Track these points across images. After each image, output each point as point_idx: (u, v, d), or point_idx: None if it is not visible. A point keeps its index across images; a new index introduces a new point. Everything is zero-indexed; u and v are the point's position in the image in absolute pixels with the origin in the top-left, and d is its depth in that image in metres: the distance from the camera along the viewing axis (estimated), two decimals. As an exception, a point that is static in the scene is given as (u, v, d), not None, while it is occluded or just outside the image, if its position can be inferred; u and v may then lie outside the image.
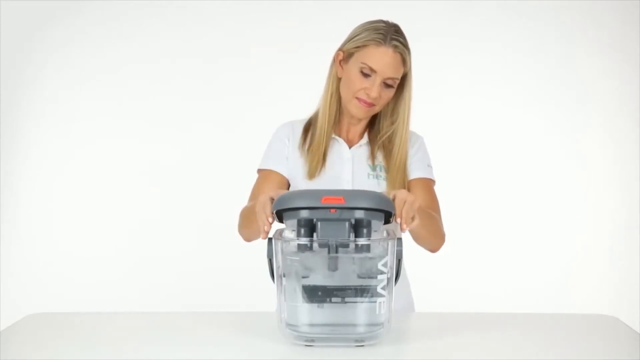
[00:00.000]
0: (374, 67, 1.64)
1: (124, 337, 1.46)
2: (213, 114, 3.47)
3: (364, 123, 1.78)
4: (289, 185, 1.77)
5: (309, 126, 1.78)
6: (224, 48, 3.45)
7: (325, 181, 1.72)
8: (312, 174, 1.72)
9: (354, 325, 1.36)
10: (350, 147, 1.76)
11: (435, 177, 1.80)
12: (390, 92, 1.68)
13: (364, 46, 1.65)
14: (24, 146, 3.47)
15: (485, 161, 3.43)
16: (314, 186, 1.71)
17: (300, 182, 1.74)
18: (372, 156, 1.75)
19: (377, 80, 1.64)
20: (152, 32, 3.45)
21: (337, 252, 1.31)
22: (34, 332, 1.50)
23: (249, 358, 1.35)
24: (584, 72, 3.46)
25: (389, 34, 1.64)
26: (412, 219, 1.38)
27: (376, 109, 1.70)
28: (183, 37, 3.46)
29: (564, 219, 3.49)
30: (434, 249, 1.72)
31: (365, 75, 1.65)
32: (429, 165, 1.79)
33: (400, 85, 1.71)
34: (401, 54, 1.65)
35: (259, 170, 1.79)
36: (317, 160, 1.72)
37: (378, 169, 1.75)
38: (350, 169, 1.74)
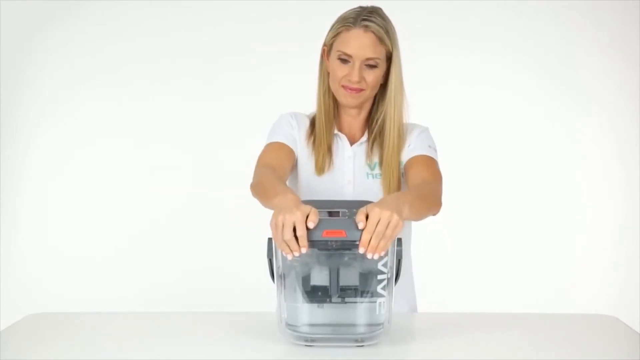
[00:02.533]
0: (348, 51, 1.63)
1: (124, 337, 1.46)
2: (213, 114, 3.46)
3: (363, 116, 1.77)
4: (294, 157, 1.74)
5: (313, 122, 1.77)
6: (224, 48, 3.45)
7: (331, 180, 1.72)
8: (320, 168, 1.72)
9: (354, 325, 1.36)
10: (352, 144, 1.76)
11: (439, 161, 1.71)
12: (376, 73, 1.65)
13: (337, 34, 1.65)
14: (24, 146, 3.47)
15: (486, 161, 3.43)
16: (322, 183, 1.72)
17: (309, 177, 1.73)
18: (370, 153, 1.74)
19: (355, 64, 1.63)
20: (152, 32, 3.45)
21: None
22: (34, 332, 1.51)
23: (249, 358, 1.35)
24: (584, 72, 3.46)
25: (360, 16, 1.63)
26: (383, 246, 1.29)
27: (367, 94, 1.68)
28: (183, 37, 3.46)
29: (564, 219, 3.49)
30: (432, 214, 1.60)
31: (344, 61, 1.64)
32: (430, 146, 1.73)
33: (387, 68, 1.68)
34: (374, 33, 1.62)
35: (269, 144, 1.74)
36: (322, 154, 1.72)
37: (376, 167, 1.74)
38: (352, 169, 1.74)
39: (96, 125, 3.47)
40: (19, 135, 3.46)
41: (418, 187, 1.62)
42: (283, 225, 1.28)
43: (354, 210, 1.37)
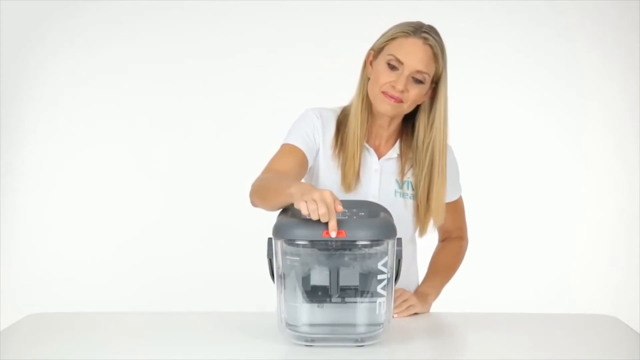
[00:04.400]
0: (401, 57, 1.57)
1: (124, 337, 1.46)
2: (214, 114, 3.46)
3: (393, 129, 1.70)
4: (307, 165, 1.68)
5: (339, 125, 1.70)
6: (225, 48, 3.44)
7: (356, 196, 1.66)
8: (348, 186, 1.66)
9: (354, 325, 1.36)
10: (379, 158, 1.70)
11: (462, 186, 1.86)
12: (420, 89, 1.60)
13: (393, 39, 1.61)
14: (24, 146, 3.47)
15: (486, 161, 3.42)
16: (345, 197, 1.64)
17: (332, 189, 1.65)
18: (402, 172, 1.70)
19: (404, 72, 1.57)
20: (152, 32, 3.45)
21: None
22: (34, 332, 1.51)
23: (249, 358, 1.35)
24: (585, 72, 3.46)
25: (421, 28, 1.60)
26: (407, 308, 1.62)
27: (405, 108, 1.61)
28: (184, 37, 3.45)
29: (563, 219, 3.49)
30: None
31: (393, 67, 1.58)
32: (459, 181, 1.83)
33: (434, 91, 1.63)
34: (431, 47, 1.59)
35: (284, 145, 1.68)
36: (352, 172, 1.65)
37: (406, 186, 1.70)
38: (378, 183, 1.69)
39: (95, 126, 3.46)
40: (19, 135, 3.46)
41: (452, 260, 1.88)
42: (316, 201, 1.26)
43: (354, 210, 1.37)
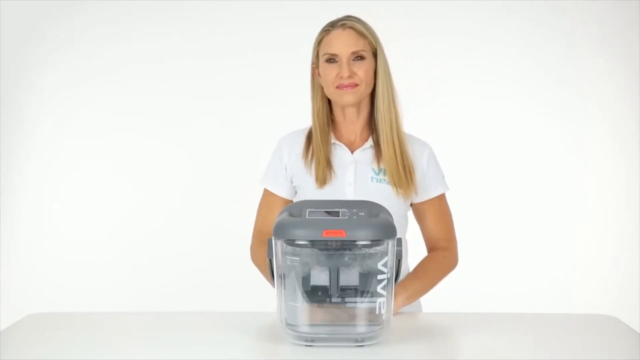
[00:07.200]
0: (333, 50, 1.69)
1: (124, 337, 1.46)
2: (216, 115, 3.46)
3: (362, 120, 1.77)
4: (290, 199, 1.81)
5: (310, 135, 1.79)
6: (229, 48, 3.45)
7: (333, 188, 1.73)
8: (321, 181, 1.73)
9: (354, 325, 1.36)
10: (353, 151, 1.77)
11: (448, 184, 1.81)
12: (365, 65, 1.69)
13: (320, 41, 1.73)
14: (24, 146, 3.47)
15: (487, 161, 3.43)
16: (324, 193, 1.72)
17: (310, 191, 1.75)
18: (377, 158, 1.75)
19: (342, 59, 1.68)
20: (152, 32, 3.45)
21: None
22: (34, 332, 1.51)
23: (249, 358, 1.35)
24: (585, 72, 3.46)
25: (338, 20, 1.72)
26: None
27: (362, 89, 1.70)
28: (184, 37, 3.45)
29: (564, 219, 3.49)
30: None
31: (332, 62, 1.70)
32: (443, 177, 1.81)
33: (376, 64, 1.73)
34: (352, 28, 1.70)
35: (264, 189, 1.82)
36: (322, 168, 1.73)
37: (382, 172, 1.74)
38: (353, 173, 1.74)
39: (96, 125, 3.47)
40: (19, 135, 3.46)
41: (434, 268, 1.75)
42: None
43: (354, 210, 1.37)
